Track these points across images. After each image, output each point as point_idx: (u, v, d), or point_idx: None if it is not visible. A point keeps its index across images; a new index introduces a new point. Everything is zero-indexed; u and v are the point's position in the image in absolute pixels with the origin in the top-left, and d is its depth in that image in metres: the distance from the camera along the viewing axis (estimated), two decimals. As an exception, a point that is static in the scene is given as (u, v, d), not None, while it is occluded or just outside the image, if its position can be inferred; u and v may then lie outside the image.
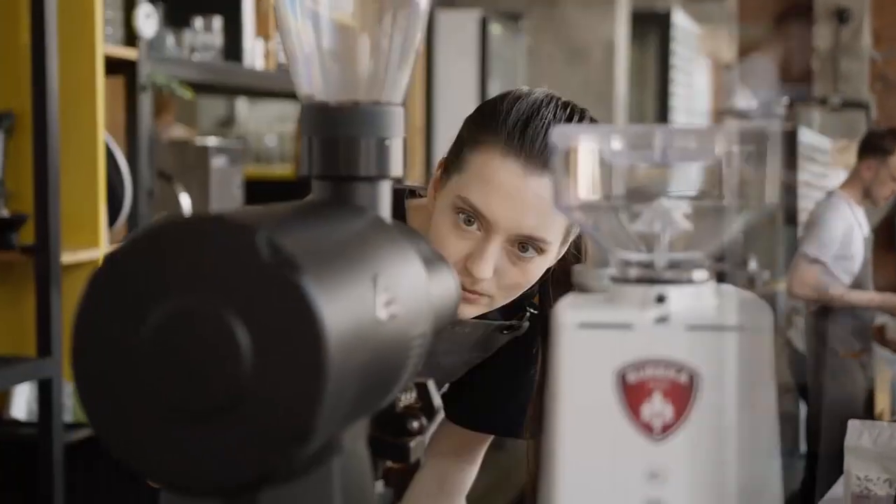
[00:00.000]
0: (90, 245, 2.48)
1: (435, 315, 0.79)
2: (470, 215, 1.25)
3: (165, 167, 3.01)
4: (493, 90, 5.80)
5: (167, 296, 0.61)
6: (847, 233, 4.36)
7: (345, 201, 0.79)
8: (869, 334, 4.59)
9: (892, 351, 5.10)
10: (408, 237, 0.81)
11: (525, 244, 1.26)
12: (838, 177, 8.50)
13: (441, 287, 0.84)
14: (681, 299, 0.67)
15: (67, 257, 2.41)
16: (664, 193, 0.71)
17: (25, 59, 2.38)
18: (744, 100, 5.97)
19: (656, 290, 0.67)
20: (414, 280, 0.75)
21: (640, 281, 0.69)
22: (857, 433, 1.93)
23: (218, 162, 3.07)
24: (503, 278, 1.27)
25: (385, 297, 0.69)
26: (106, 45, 2.53)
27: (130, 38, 2.65)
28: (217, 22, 3.03)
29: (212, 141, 3.15)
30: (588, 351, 0.67)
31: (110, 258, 0.63)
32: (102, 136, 2.49)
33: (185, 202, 2.93)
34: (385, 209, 0.81)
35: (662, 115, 7.18)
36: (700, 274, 0.69)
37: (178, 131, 4.37)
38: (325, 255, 0.65)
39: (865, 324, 4.51)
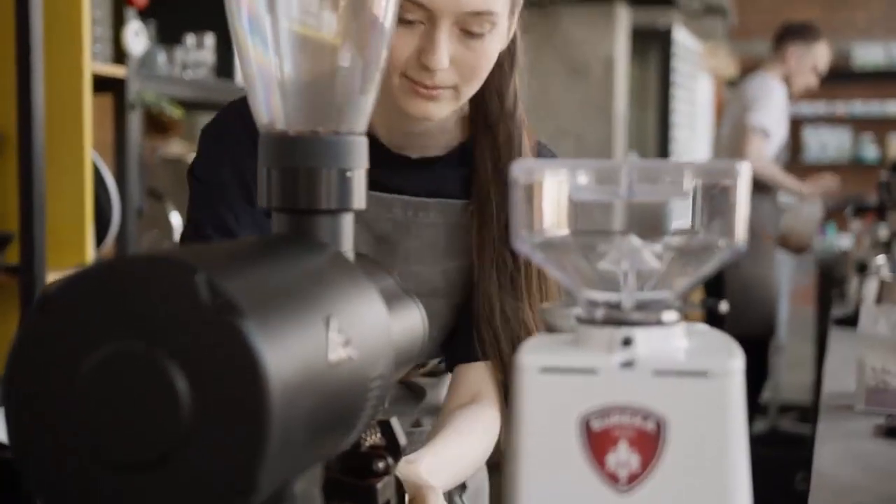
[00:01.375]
0: (77, 265, 2.45)
1: (397, 354, 0.76)
2: (407, 13, 1.20)
3: (158, 185, 2.98)
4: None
5: (103, 339, 0.58)
6: (781, 111, 4.44)
7: (305, 235, 0.76)
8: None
9: (794, 253, 5.14)
10: (370, 273, 0.77)
11: (472, 25, 1.21)
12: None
13: (404, 324, 0.80)
14: (648, 342, 0.64)
15: (53, 277, 2.38)
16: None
17: (11, 77, 2.35)
18: None
19: (623, 332, 0.64)
20: (373, 319, 0.72)
21: (607, 322, 0.65)
22: (872, 319, 1.75)
23: (210, 180, 3.04)
24: (461, 65, 1.24)
25: (340, 339, 0.66)
26: (94, 64, 2.50)
27: (119, 55, 2.62)
28: (209, 39, 3.00)
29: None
30: (551, 396, 0.64)
31: (45, 297, 0.60)
32: (90, 154, 2.45)
33: (176, 221, 2.90)
34: (347, 243, 0.77)
35: (663, 131, 7.14)
36: (669, 315, 0.66)
37: (175, 148, 4.34)
38: (272, 296, 0.61)
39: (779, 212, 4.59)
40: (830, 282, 4.76)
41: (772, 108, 4.40)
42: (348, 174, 0.77)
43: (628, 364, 0.63)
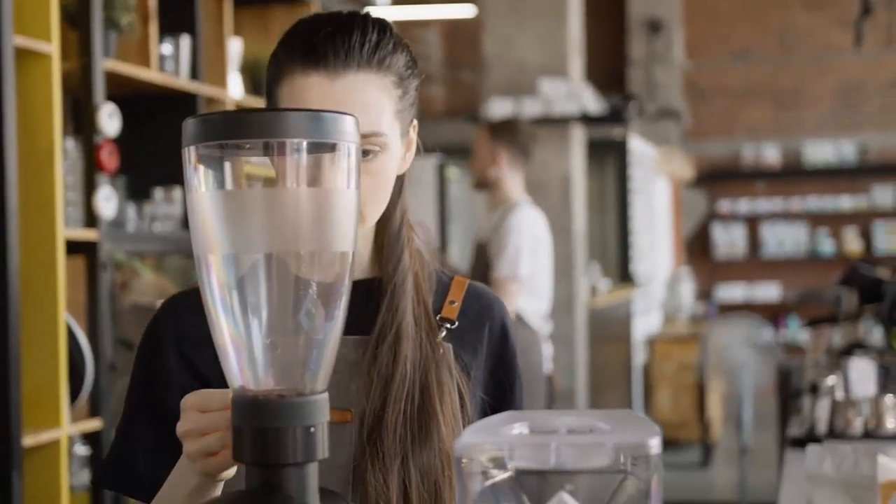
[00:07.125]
0: (52, 426, 2.52)
1: None
2: None
3: (128, 334, 3.05)
4: (454, 231, 5.91)
5: None
6: None
7: (274, 488, 0.85)
8: None
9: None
10: (333, 517, 0.87)
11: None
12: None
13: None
14: None
15: (29, 440, 2.44)
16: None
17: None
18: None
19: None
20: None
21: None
22: (819, 459, 1.78)
23: (179, 324, 3.11)
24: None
25: None
26: (67, 229, 2.60)
27: (91, 218, 2.72)
28: (178, 192, 3.12)
29: (173, 304, 3.20)
30: None
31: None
32: (63, 317, 2.54)
33: (148, 370, 2.97)
34: (312, 490, 0.87)
35: (623, 239, 7.31)
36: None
37: (147, 280, 4.39)
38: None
39: None
40: (789, 386, 4.85)
41: None
42: (312, 430, 0.87)
43: None
